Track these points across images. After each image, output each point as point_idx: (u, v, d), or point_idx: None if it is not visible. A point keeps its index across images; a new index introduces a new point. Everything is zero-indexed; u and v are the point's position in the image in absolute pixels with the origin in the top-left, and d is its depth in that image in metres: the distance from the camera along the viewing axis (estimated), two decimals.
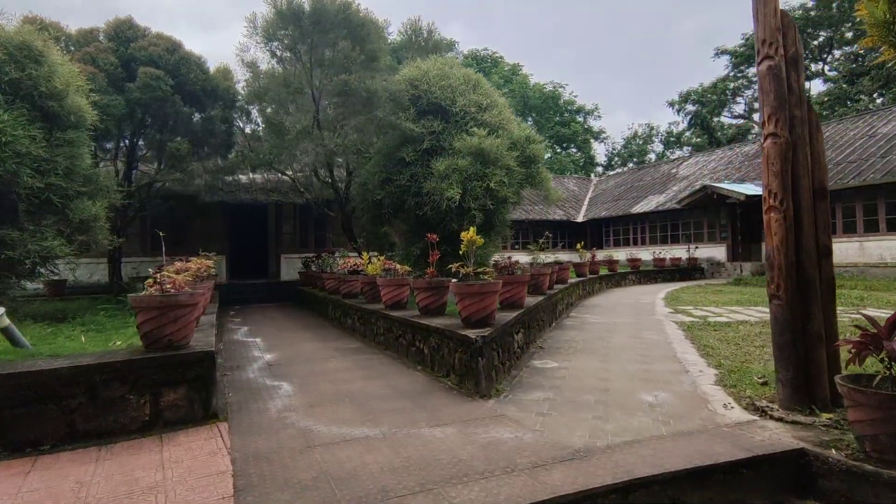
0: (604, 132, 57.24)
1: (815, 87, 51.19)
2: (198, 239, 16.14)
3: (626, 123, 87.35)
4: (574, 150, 53.07)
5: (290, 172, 14.36)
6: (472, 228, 5.46)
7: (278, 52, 11.20)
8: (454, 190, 9.69)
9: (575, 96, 55.46)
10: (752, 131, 50.89)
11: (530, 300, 7.28)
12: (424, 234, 11.70)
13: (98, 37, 11.64)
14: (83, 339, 6.76)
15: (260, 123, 14.02)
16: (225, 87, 12.73)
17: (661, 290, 14.97)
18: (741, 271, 18.86)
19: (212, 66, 13.11)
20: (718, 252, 21.03)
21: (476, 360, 4.58)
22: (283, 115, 12.02)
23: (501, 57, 49.40)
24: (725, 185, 18.97)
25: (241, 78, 13.54)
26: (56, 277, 12.14)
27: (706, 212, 21.59)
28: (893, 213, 15.42)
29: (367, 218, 12.92)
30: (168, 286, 4.96)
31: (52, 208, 8.54)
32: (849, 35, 47.60)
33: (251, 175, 16.63)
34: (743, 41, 50.42)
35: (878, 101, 32.95)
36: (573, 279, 12.77)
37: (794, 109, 3.85)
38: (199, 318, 7.05)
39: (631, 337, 7.31)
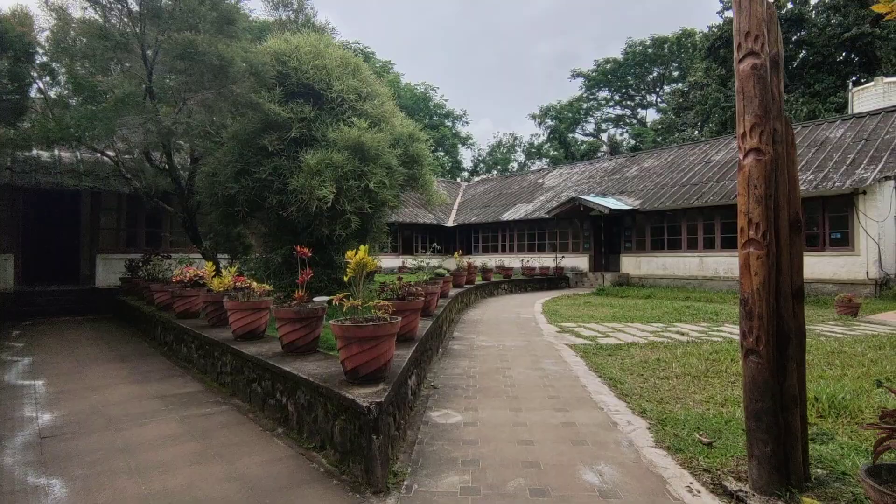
0: (471, 138, 58.62)
1: (650, 115, 57.87)
2: None
3: (489, 131, 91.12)
4: (442, 153, 53.45)
5: (111, 153, 11.43)
6: (362, 248, 4.05)
7: None
8: (327, 188, 8.13)
9: (445, 100, 55.95)
10: (601, 149, 55.89)
11: (421, 324, 6.08)
12: (288, 237, 9.90)
13: None
14: None
15: (70, 87, 10.91)
16: (18, 33, 9.56)
17: (536, 302, 14.82)
18: (603, 281, 19.75)
19: (6, 10, 9.82)
20: (581, 262, 21.93)
21: (369, 437, 3.22)
22: (101, 78, 9.34)
23: (373, 52, 47.83)
24: (592, 199, 19.74)
25: (45, 26, 10.38)
26: None
27: (571, 223, 22.42)
28: (727, 232, 17.13)
29: (216, 215, 10.68)
30: None
31: None
32: (675, 73, 54.61)
33: (56, 153, 13.10)
34: (595, 67, 55.17)
35: (702, 131, 37.74)
36: (452, 291, 11.89)
37: (776, 122, 3.15)
38: None
39: (531, 368, 6.48)
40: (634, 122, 58.50)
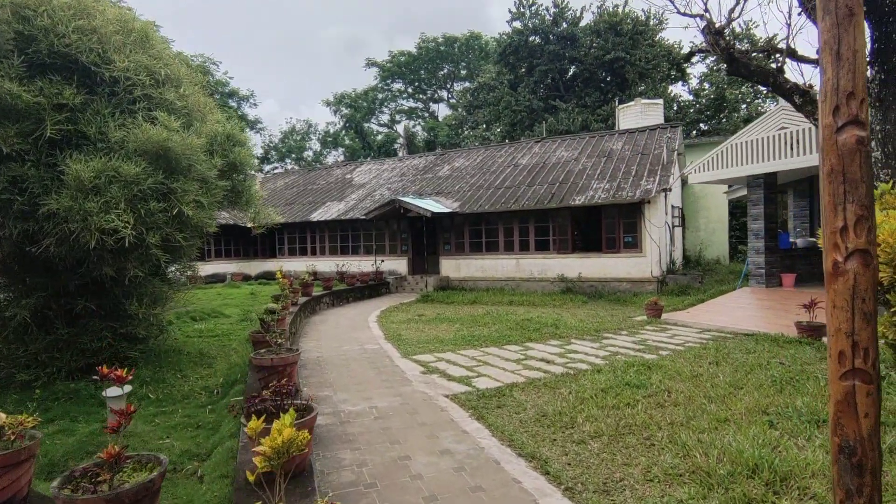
0: (260, 122, 53.49)
1: (442, 110, 60.61)
2: None
3: (276, 114, 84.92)
4: None
5: None
6: (285, 417, 2.25)
7: None
8: (118, 215, 5.56)
9: (230, 77, 49.64)
10: (398, 141, 56.48)
11: None
12: (41, 280, 6.66)
13: None
14: None
15: None
16: None
17: (369, 319, 13.52)
18: (426, 285, 19.34)
19: None
20: (401, 265, 21.23)
21: None
22: None
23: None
24: (413, 201, 19.05)
25: None
26: None
27: (388, 224, 21.51)
28: (540, 235, 18.24)
29: None
30: None
31: None
32: (464, 72, 58.10)
33: None
34: (390, 58, 55.18)
35: (492, 130, 40.64)
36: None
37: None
38: None
39: (436, 453, 5.21)
40: (427, 115, 60.55)
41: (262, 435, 2.45)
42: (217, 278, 23.58)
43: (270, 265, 24.70)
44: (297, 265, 23.83)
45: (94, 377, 6.22)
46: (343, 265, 21.59)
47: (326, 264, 22.54)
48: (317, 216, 23.14)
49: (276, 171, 51.69)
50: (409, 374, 8.20)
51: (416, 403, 6.76)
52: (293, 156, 56.70)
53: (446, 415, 6.27)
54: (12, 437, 2.93)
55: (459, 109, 50.50)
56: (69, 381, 6.22)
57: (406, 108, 59.01)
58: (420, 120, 58.67)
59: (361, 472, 4.81)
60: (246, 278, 24.25)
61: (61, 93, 5.90)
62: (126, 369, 3.38)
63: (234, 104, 49.28)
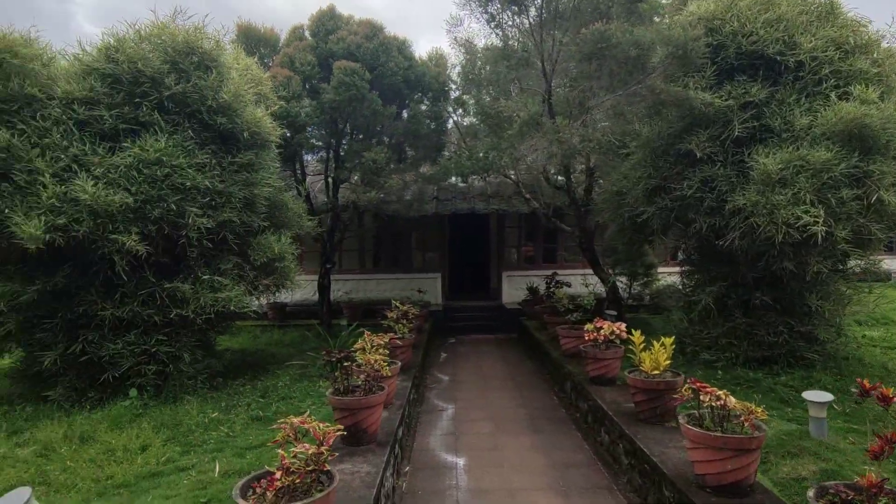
0: None
1: None
2: (415, 254, 14.44)
3: None
4: None
5: (513, 174, 11.28)
6: None
7: (497, 15, 8.03)
8: (805, 210, 5.23)
9: None
10: None
11: None
12: (723, 270, 7.28)
13: (304, 34, 10.20)
14: (217, 467, 4.70)
15: (477, 116, 11.24)
16: (433, 74, 10.20)
17: None
18: None
19: (424, 54, 10.78)
20: None
21: None
22: (503, 103, 8.85)
23: None
24: None
25: (455, 62, 10.93)
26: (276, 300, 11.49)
27: None
28: None
29: (618, 238, 9.10)
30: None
31: (230, 249, 6.98)
32: None
33: (469, 178, 14.15)
34: None
35: None
36: None
37: None
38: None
39: None
40: None
41: None
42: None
43: None
44: None
45: (774, 367, 6.23)
46: None
47: None
48: None
49: None
50: None
51: None
52: None
53: None
54: (744, 424, 3.11)
55: None
56: (747, 368, 6.49)
57: None
58: None
59: None
60: None
61: (748, 91, 6.15)
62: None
63: None
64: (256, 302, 8.25)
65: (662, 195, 6.92)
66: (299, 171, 10.41)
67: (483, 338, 12.17)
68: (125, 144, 6.01)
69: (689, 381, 3.90)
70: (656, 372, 4.67)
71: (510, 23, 8.32)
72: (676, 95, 5.94)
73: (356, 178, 10.48)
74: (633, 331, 5.20)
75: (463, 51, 9.69)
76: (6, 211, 5.36)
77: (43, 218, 5.31)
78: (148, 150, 5.89)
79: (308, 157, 10.85)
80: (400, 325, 6.90)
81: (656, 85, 5.95)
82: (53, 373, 6.21)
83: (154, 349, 6.32)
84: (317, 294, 12.01)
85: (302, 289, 11.95)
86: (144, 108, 6.15)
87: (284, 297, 10.43)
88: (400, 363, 5.84)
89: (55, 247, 5.58)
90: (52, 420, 5.63)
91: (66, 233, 5.51)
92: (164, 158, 5.91)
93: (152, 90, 6.18)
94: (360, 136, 9.93)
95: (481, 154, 8.86)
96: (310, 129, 9.30)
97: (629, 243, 8.75)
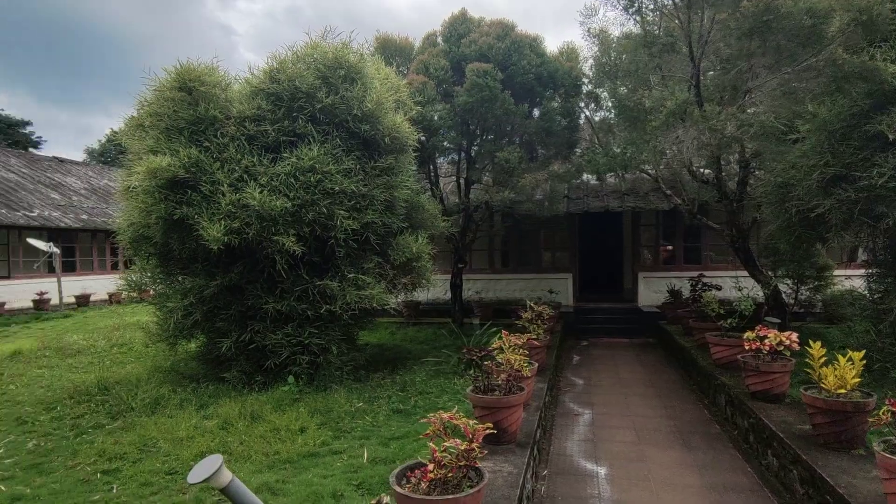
0: None
1: None
2: (544, 253, 14.21)
3: None
4: None
5: (651, 170, 10.56)
6: None
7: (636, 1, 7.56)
8: None
9: None
10: None
11: None
12: None
13: (436, 40, 10.54)
14: (365, 453, 5.01)
15: (612, 110, 10.71)
16: (566, 69, 9.92)
17: None
18: None
19: (555, 49, 10.54)
20: None
21: None
22: (642, 94, 8.34)
23: None
24: None
25: (587, 55, 10.53)
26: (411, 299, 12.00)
27: None
28: None
29: (782, 236, 8.06)
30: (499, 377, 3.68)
31: (371, 249, 7.42)
32: None
33: (602, 175, 13.56)
34: None
35: None
36: None
37: None
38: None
39: None
40: None
41: None
42: None
43: None
44: None
45: None
46: None
47: None
48: None
49: None
50: None
51: None
52: None
53: None
54: None
55: None
56: None
57: None
58: None
59: None
60: None
61: None
62: None
63: None
64: (394, 300, 8.69)
65: (843, 185, 5.96)
66: (433, 174, 10.77)
67: (617, 341, 11.57)
68: (284, 155, 6.68)
69: (888, 401, 3.31)
70: (842, 391, 4.02)
71: (651, 6, 7.80)
72: (863, 67, 5.07)
73: (486, 178, 10.57)
74: (810, 342, 4.53)
75: (597, 42, 9.31)
76: (195, 217, 6.24)
77: (222, 222, 6.09)
78: (303, 159, 6.49)
79: (440, 160, 11.18)
80: (534, 325, 6.80)
81: (838, 55, 5.12)
82: (229, 357, 7.10)
83: (307, 341, 6.94)
84: (448, 293, 12.35)
85: (434, 287, 12.36)
86: (300, 121, 6.79)
87: (418, 295, 10.87)
88: (537, 364, 5.73)
89: (230, 247, 6.38)
90: (229, 398, 6.42)
91: (239, 235, 6.27)
92: (317, 166, 6.46)
93: (307, 104, 6.79)
94: (491, 137, 10.00)
95: (617, 150, 8.40)
96: (442, 131, 9.56)
97: (796, 242, 7.68)
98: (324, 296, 6.90)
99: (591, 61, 10.31)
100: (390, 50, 10.46)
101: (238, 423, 5.65)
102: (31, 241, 15.97)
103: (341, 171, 6.70)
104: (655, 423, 6.27)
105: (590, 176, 13.01)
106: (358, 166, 7.00)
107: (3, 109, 36.83)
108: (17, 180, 19.12)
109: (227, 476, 3.60)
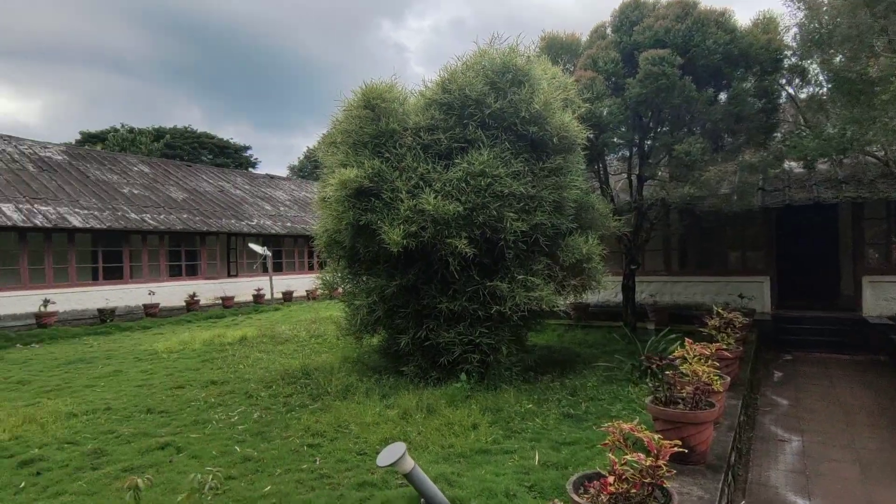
0: None
1: None
2: (730, 253, 12.65)
3: None
4: None
5: (878, 151, 8.70)
6: None
7: None
8: None
9: None
10: None
11: None
12: None
13: (605, 32, 10.06)
14: (536, 456, 4.94)
15: (824, 84, 9.07)
16: (761, 43, 8.66)
17: None
18: None
19: (748, 21, 9.29)
20: None
21: None
22: (867, 63, 6.94)
23: None
24: None
25: (789, 23, 9.07)
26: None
27: None
28: None
29: None
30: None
31: (540, 251, 7.35)
32: None
33: (811, 162, 11.57)
34: None
35: None
36: None
37: None
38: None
39: None
40: None
41: None
42: None
43: None
44: None
45: None
46: None
47: None
48: None
49: None
50: None
51: None
52: None
53: None
54: None
55: None
56: None
57: None
58: None
59: None
60: None
61: None
62: None
63: None
64: (563, 301, 8.48)
65: None
66: (602, 172, 10.29)
67: (833, 357, 9.74)
68: (456, 161, 6.97)
69: None
70: None
71: None
72: None
73: (662, 173, 9.75)
74: None
75: (803, 6, 7.97)
76: (378, 222, 6.85)
77: (401, 226, 6.57)
78: (473, 164, 6.69)
79: (609, 157, 10.64)
80: (724, 334, 6.05)
81: None
82: (406, 353, 7.64)
83: (478, 340, 7.12)
84: (619, 295, 11.68)
85: (604, 289, 11.77)
86: (470, 128, 7.02)
87: (588, 297, 10.46)
88: (729, 379, 5.09)
89: (408, 250, 6.86)
90: (407, 391, 6.90)
91: (416, 238, 6.70)
92: (487, 170, 6.61)
93: (476, 110, 7.00)
94: (667, 129, 9.20)
95: (833, 130, 7.07)
96: (612, 126, 9.08)
97: None
98: (494, 296, 7.02)
99: (794, 30, 8.86)
100: (556, 48, 10.26)
101: (416, 414, 6.03)
102: (252, 245, 19.20)
103: (510, 174, 6.76)
104: (888, 458, 5.12)
105: (793, 164, 11.18)
106: (526, 168, 6.99)
107: (232, 138, 45.04)
108: (242, 195, 23.18)
109: (409, 463, 3.87)
